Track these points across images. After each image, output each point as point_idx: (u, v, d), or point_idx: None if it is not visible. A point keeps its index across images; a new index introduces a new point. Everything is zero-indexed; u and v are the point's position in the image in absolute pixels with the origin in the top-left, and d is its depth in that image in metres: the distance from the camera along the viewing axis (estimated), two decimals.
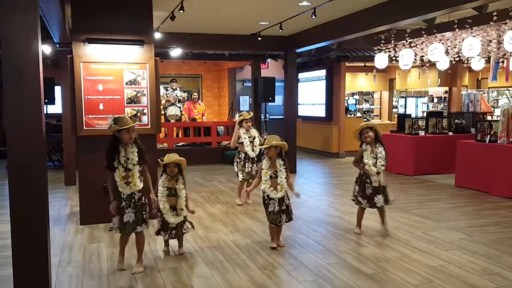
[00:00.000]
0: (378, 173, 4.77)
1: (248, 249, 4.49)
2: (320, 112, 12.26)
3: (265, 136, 4.57)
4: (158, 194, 4.21)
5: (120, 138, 3.79)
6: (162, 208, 4.21)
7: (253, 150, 6.34)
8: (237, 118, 6.62)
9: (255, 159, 6.35)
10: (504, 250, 4.43)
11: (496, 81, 9.35)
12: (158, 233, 4.31)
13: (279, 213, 4.42)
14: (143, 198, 3.89)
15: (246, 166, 6.35)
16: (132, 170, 3.80)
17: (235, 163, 6.54)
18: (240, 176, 6.40)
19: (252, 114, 6.64)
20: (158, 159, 4.34)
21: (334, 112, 11.81)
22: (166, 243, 4.40)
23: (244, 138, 6.37)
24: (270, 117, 12.14)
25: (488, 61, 9.31)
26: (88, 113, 5.34)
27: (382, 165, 4.78)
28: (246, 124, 6.40)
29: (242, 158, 6.39)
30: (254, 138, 6.43)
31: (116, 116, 3.91)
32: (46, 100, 8.29)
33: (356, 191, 4.92)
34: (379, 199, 4.79)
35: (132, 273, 3.86)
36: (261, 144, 4.40)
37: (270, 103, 11.51)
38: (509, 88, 12.25)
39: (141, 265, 3.96)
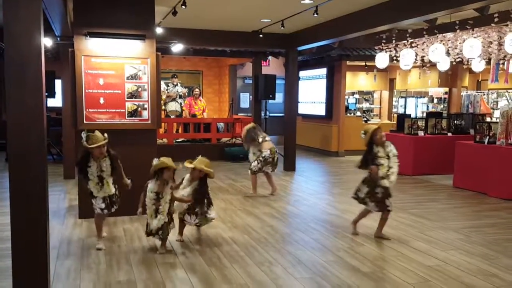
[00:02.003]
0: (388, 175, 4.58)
1: (246, 246, 4.51)
2: (320, 110, 12.26)
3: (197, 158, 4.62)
4: (146, 200, 4.20)
5: (91, 153, 4.19)
6: (148, 214, 4.20)
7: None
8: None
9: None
10: (501, 251, 4.45)
11: (498, 82, 9.36)
12: (149, 234, 4.29)
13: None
14: (115, 185, 4.41)
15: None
16: (106, 179, 4.26)
17: (257, 162, 6.82)
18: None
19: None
20: (154, 161, 4.21)
21: (334, 111, 11.81)
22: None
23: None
24: (270, 114, 12.16)
25: (488, 62, 9.32)
26: (89, 107, 5.34)
27: (395, 162, 4.59)
28: None
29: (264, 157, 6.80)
30: None
31: (89, 133, 4.20)
32: (46, 93, 8.27)
33: (365, 193, 4.67)
34: (390, 202, 4.67)
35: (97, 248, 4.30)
36: (190, 162, 4.49)
37: (270, 101, 11.52)
38: (508, 90, 12.27)
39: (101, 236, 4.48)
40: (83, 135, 4.16)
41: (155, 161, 4.21)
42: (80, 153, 4.27)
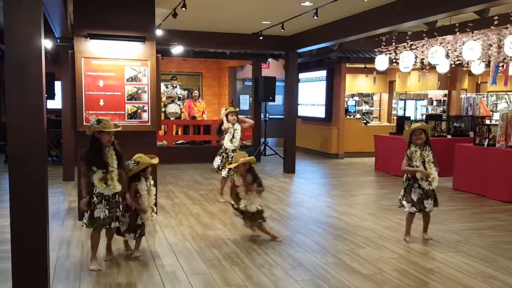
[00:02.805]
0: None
1: (246, 248, 4.50)
2: (320, 112, 12.27)
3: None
4: (140, 201, 4.11)
5: (99, 140, 3.84)
6: (147, 214, 4.16)
7: (231, 142, 6.49)
8: (223, 112, 6.79)
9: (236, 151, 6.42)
10: (501, 253, 4.45)
11: (496, 85, 9.37)
12: (123, 234, 4.18)
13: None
14: (117, 196, 3.92)
15: (230, 162, 6.38)
16: (111, 173, 3.86)
17: (219, 157, 6.56)
18: (224, 173, 6.45)
19: (238, 109, 6.79)
20: (128, 164, 4.08)
21: (334, 113, 11.82)
22: (127, 244, 4.34)
23: (229, 132, 6.49)
24: (270, 116, 12.16)
25: (488, 65, 9.34)
26: (89, 108, 5.34)
27: (431, 168, 4.63)
28: (231, 118, 6.53)
29: (227, 152, 6.49)
30: (235, 130, 6.53)
31: (100, 117, 3.98)
32: (46, 95, 8.27)
33: (401, 195, 4.77)
34: (428, 204, 4.67)
35: (104, 260, 4.06)
36: (229, 163, 4.67)
37: (270, 103, 11.52)
38: (508, 93, 12.29)
39: (110, 253, 4.15)
40: (93, 119, 3.90)
41: (130, 163, 4.08)
42: (88, 142, 3.88)
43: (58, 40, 7.70)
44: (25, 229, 2.99)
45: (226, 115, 6.55)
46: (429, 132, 4.78)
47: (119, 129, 3.97)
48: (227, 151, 6.52)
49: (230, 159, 6.34)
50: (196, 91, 11.77)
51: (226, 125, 6.53)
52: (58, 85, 8.74)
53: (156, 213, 4.32)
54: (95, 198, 3.83)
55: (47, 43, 7.55)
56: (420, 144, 4.65)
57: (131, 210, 4.11)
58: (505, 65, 8.56)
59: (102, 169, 3.83)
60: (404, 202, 4.73)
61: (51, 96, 9.12)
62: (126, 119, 5.48)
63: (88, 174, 3.84)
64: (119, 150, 3.98)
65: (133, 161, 4.08)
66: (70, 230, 5.05)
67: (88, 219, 3.86)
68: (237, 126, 6.56)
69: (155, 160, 4.22)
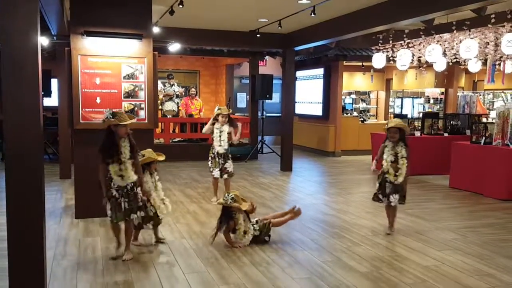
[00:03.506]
0: (396, 171, 4.83)
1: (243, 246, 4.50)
2: (317, 110, 12.27)
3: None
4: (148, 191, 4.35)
5: (116, 132, 3.88)
6: (154, 203, 4.40)
7: (220, 145, 6.21)
8: (215, 111, 6.38)
9: (226, 155, 6.26)
10: (497, 251, 4.47)
11: (494, 83, 9.40)
12: (144, 224, 4.42)
13: None
14: (135, 188, 3.99)
15: (219, 163, 6.27)
16: (125, 163, 3.92)
17: (209, 160, 6.38)
18: (215, 173, 6.29)
19: (230, 111, 6.41)
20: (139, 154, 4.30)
21: (331, 111, 11.82)
22: (136, 237, 4.54)
23: (216, 133, 6.23)
24: (267, 114, 12.15)
25: (484, 63, 9.35)
26: (85, 106, 5.32)
27: (402, 164, 4.82)
28: (222, 119, 6.23)
29: (216, 154, 6.28)
30: (222, 132, 6.22)
31: (114, 110, 3.97)
32: (43, 93, 8.24)
33: (376, 189, 5.04)
34: (394, 198, 4.88)
35: (122, 260, 4.02)
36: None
37: (267, 101, 11.52)
38: (505, 91, 12.33)
39: (129, 252, 4.12)
40: (107, 113, 3.88)
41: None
42: (104, 135, 3.89)
43: (55, 38, 7.67)
44: (22, 227, 2.97)
45: (217, 116, 6.24)
46: (406, 130, 4.93)
47: (134, 120, 4.03)
48: (213, 151, 6.29)
49: (217, 159, 6.26)
50: (193, 89, 11.74)
51: (205, 128, 6.36)
52: (54, 82, 8.71)
53: (157, 208, 4.46)
54: (114, 192, 3.91)
55: (43, 40, 7.50)
56: (394, 141, 4.88)
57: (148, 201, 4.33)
58: (502, 63, 8.59)
59: (118, 162, 3.88)
60: (380, 196, 4.98)
61: (48, 93, 9.09)
62: None
63: (105, 168, 3.90)
64: (133, 140, 4.02)
65: (140, 154, 4.27)
66: (67, 228, 5.04)
67: (112, 213, 3.94)
68: (225, 128, 6.24)
69: (161, 157, 4.43)
